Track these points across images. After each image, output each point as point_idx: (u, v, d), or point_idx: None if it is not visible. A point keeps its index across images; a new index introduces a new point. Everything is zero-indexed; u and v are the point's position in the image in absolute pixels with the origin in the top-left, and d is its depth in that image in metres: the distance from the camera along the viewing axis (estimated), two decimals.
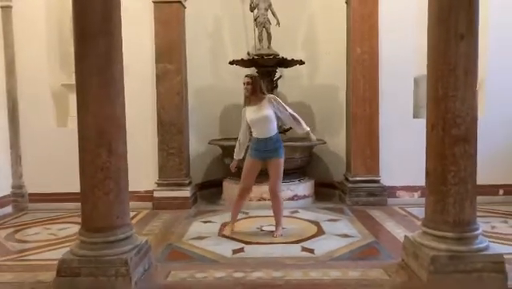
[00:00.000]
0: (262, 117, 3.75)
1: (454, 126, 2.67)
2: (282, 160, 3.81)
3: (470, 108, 2.68)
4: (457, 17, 2.60)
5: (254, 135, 3.84)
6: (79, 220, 4.31)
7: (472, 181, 2.72)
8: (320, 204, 5.24)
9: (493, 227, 4.08)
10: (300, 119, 3.83)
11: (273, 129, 3.79)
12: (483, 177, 4.87)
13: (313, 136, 3.92)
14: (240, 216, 4.59)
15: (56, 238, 3.99)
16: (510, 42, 5.08)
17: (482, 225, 3.96)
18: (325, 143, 5.61)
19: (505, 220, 4.35)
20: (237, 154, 3.96)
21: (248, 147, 3.93)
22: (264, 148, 3.77)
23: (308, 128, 3.85)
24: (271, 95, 3.92)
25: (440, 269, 2.62)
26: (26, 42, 5.10)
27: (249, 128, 3.86)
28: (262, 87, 3.93)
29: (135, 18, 4.66)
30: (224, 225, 4.21)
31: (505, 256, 2.80)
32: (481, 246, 2.69)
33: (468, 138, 2.68)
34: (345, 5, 5.28)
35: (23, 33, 5.09)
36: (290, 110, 3.83)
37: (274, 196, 3.89)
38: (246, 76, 3.89)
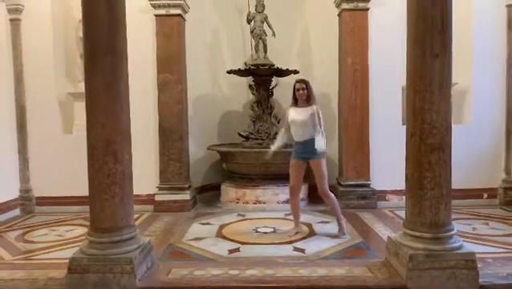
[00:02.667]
0: (302, 121, 3.96)
1: (430, 136, 2.91)
2: (322, 161, 3.98)
3: (444, 120, 2.92)
4: (432, 38, 2.85)
5: (294, 138, 4.08)
6: (84, 222, 4.65)
7: (446, 185, 2.95)
8: (313, 207, 5.45)
9: (474, 229, 4.33)
10: (323, 138, 3.96)
11: (310, 133, 3.97)
12: (468, 181, 5.25)
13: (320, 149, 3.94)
14: (237, 218, 4.87)
15: (63, 239, 4.23)
16: (492, 55, 5.38)
17: (464, 226, 4.29)
18: None
19: (486, 222, 4.60)
20: (274, 145, 4.23)
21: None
22: (302, 150, 4.01)
23: (321, 149, 3.92)
24: (317, 107, 4.02)
25: (418, 266, 2.85)
26: (34, 53, 5.36)
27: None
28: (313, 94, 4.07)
29: (137, 31, 4.87)
30: (221, 227, 4.47)
31: (480, 255, 3.07)
32: (455, 245, 2.92)
33: (442, 147, 2.92)
34: (337, 18, 5.56)
35: (31, 44, 5.36)
36: (322, 127, 3.98)
37: (324, 196, 4.11)
38: (299, 82, 4.04)
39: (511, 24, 5.34)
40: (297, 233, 4.15)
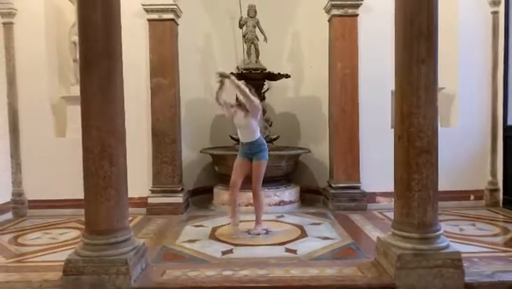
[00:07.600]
0: (244, 125, 4.17)
1: (417, 139, 2.99)
2: (263, 163, 4.19)
3: (431, 123, 3.02)
4: (419, 44, 2.95)
5: (240, 138, 4.30)
6: (78, 225, 4.68)
7: (433, 187, 3.04)
8: (305, 209, 5.56)
9: (461, 229, 4.43)
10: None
11: (253, 135, 4.18)
12: (456, 183, 5.36)
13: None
14: (229, 220, 4.88)
15: (57, 242, 4.23)
16: (478, 60, 5.53)
17: (451, 227, 4.40)
18: (310, 152, 5.96)
19: (473, 223, 4.71)
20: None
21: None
22: (248, 150, 4.22)
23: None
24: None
25: (406, 265, 2.93)
26: (27, 56, 5.37)
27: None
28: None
29: (130, 35, 4.90)
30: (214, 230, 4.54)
31: (466, 255, 3.17)
32: (441, 244, 3.01)
33: (429, 149, 3.01)
34: (327, 23, 5.66)
35: (24, 48, 5.37)
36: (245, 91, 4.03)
37: (256, 195, 4.28)
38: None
39: (496, 30, 5.49)
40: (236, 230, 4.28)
